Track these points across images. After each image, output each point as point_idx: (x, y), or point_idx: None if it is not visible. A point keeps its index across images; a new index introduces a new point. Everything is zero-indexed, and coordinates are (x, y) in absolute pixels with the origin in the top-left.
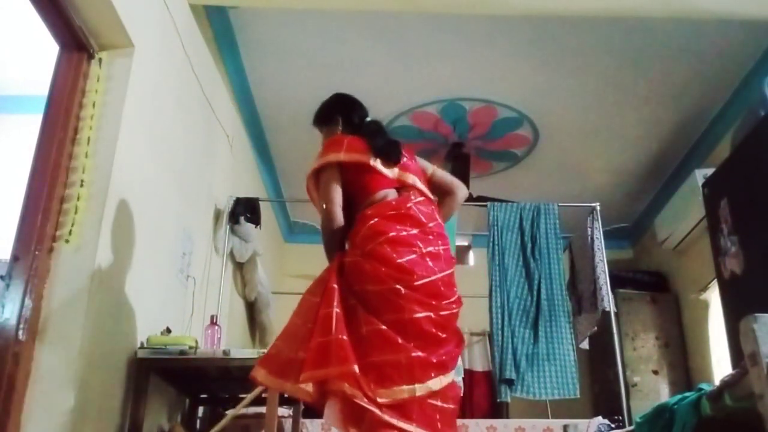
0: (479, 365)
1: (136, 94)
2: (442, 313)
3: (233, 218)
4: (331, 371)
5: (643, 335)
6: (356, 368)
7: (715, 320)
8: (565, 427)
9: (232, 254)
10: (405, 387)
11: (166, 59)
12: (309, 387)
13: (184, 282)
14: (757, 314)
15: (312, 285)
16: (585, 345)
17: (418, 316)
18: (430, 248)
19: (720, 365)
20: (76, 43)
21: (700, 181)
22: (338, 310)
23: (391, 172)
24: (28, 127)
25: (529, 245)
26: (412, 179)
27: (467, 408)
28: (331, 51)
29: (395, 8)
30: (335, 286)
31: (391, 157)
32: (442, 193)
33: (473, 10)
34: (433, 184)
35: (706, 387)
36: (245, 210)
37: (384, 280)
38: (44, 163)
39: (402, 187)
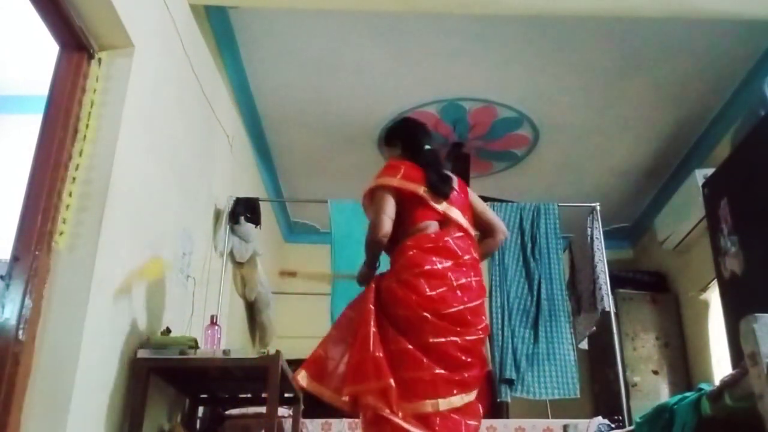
0: None
1: (136, 94)
2: (468, 338)
3: (233, 218)
4: (370, 385)
5: (643, 335)
6: (392, 382)
7: (715, 320)
8: (565, 427)
9: (232, 254)
10: (428, 401)
11: (166, 59)
12: (345, 397)
13: (184, 282)
14: (757, 314)
15: (353, 301)
16: (585, 345)
17: (442, 340)
18: (462, 280)
19: (720, 365)
20: (76, 43)
21: (700, 181)
22: (375, 330)
23: (439, 205)
24: (28, 127)
25: (529, 245)
26: (456, 214)
27: None
28: (331, 51)
29: (395, 8)
30: (372, 307)
31: (441, 192)
32: (483, 231)
33: (473, 10)
34: (477, 220)
35: (706, 387)
36: (245, 210)
37: (414, 307)
38: (44, 163)
39: (445, 220)
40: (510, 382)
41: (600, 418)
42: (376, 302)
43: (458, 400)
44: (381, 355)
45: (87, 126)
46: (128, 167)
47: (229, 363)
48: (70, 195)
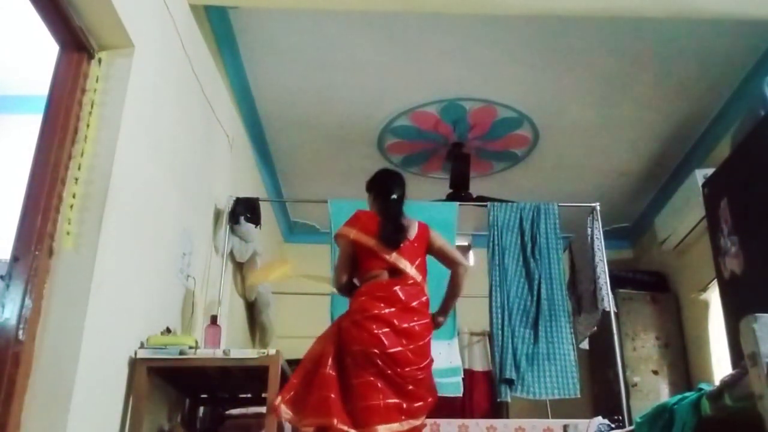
0: (479, 365)
1: (136, 94)
2: (409, 373)
3: (233, 218)
4: (319, 421)
5: (643, 335)
6: (335, 421)
7: (715, 320)
8: (565, 427)
9: (232, 254)
10: (382, 426)
11: (166, 59)
12: (308, 428)
13: (184, 282)
14: (757, 314)
15: (321, 336)
16: (585, 345)
17: (389, 372)
18: (405, 324)
19: (720, 365)
20: (76, 43)
21: (700, 181)
22: (330, 372)
23: (389, 256)
24: (28, 127)
25: (529, 245)
26: (404, 264)
27: (467, 408)
28: (332, 51)
29: (395, 8)
30: (332, 348)
31: (390, 245)
32: (446, 266)
33: (473, 10)
34: (439, 258)
35: (706, 387)
36: (245, 210)
37: (365, 344)
38: (44, 163)
39: (394, 269)
40: (510, 382)
41: (600, 418)
42: (337, 343)
43: (405, 425)
44: (333, 396)
45: (87, 126)
46: (128, 167)
47: (229, 363)
48: (71, 195)
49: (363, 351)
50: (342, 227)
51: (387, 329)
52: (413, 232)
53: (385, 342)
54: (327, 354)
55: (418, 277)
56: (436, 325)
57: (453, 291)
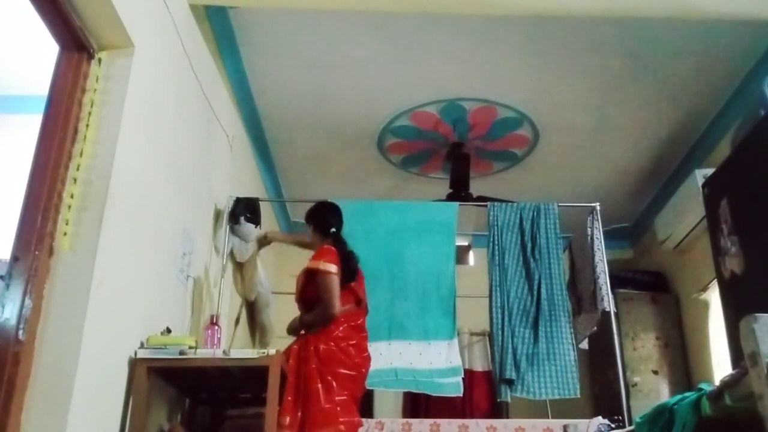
0: (479, 365)
1: (136, 94)
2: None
3: (233, 218)
4: (332, 429)
5: (643, 335)
6: (342, 428)
7: (715, 320)
8: (565, 427)
9: (232, 254)
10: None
11: (166, 59)
12: None
13: (184, 282)
14: (757, 314)
15: (296, 355)
16: (585, 345)
17: (361, 393)
18: (365, 348)
19: (720, 365)
20: (76, 43)
21: (700, 181)
22: (320, 385)
23: (353, 285)
24: (28, 127)
25: (529, 245)
26: (363, 293)
27: (467, 408)
28: (331, 51)
29: (395, 8)
30: (314, 366)
31: (353, 276)
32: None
33: (473, 10)
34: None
35: (706, 387)
36: (245, 210)
37: (350, 367)
38: (44, 163)
39: (358, 299)
40: (510, 382)
41: (600, 418)
42: (318, 361)
43: None
44: (329, 406)
45: (87, 126)
46: (128, 167)
47: (229, 363)
48: (70, 195)
49: (350, 374)
50: (322, 263)
51: (365, 354)
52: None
53: (363, 365)
54: (312, 371)
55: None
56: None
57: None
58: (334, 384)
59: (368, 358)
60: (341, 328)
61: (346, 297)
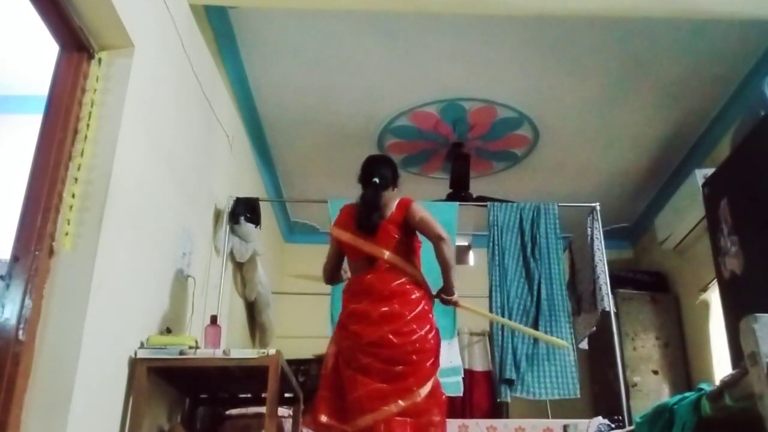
0: (479, 365)
1: (135, 94)
2: (396, 354)
3: (233, 218)
4: (314, 416)
5: (643, 335)
6: (323, 418)
7: (715, 320)
8: (565, 427)
9: (232, 254)
10: (369, 416)
11: (166, 59)
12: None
13: (184, 282)
14: (757, 314)
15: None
16: (585, 345)
17: (370, 360)
18: (383, 309)
19: (720, 365)
20: (76, 43)
21: (700, 181)
22: (325, 372)
23: (365, 245)
24: (28, 127)
25: (529, 245)
26: (379, 251)
27: (467, 408)
28: (332, 51)
29: (395, 8)
30: (328, 350)
31: (366, 233)
32: (430, 240)
33: (473, 10)
34: (421, 232)
35: (706, 387)
36: (245, 210)
37: (344, 339)
38: (44, 163)
39: (371, 257)
40: (510, 382)
41: (600, 418)
42: (334, 344)
43: (396, 406)
44: (325, 394)
45: (87, 126)
46: (128, 167)
47: (229, 363)
48: (71, 195)
49: (347, 347)
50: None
51: (363, 322)
52: (390, 210)
53: (362, 334)
54: (327, 355)
55: (396, 260)
56: (443, 301)
57: (441, 266)
58: (342, 360)
59: (366, 327)
60: (344, 298)
61: (353, 255)
